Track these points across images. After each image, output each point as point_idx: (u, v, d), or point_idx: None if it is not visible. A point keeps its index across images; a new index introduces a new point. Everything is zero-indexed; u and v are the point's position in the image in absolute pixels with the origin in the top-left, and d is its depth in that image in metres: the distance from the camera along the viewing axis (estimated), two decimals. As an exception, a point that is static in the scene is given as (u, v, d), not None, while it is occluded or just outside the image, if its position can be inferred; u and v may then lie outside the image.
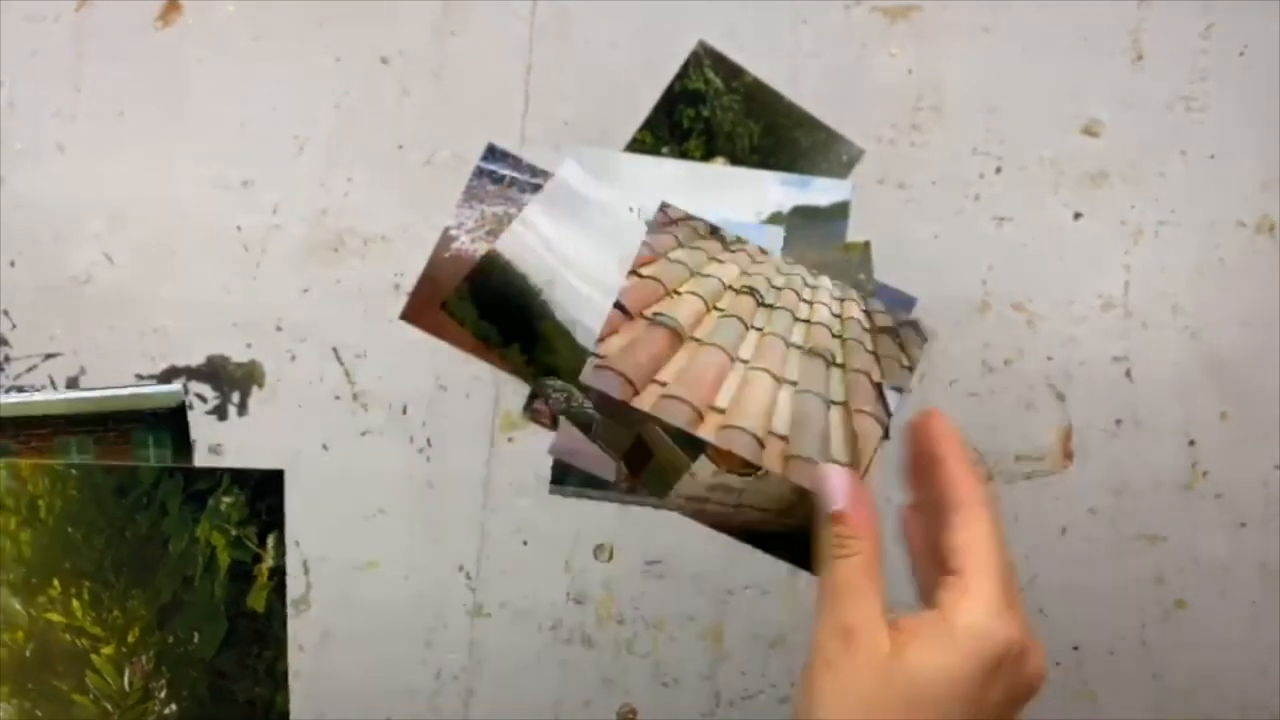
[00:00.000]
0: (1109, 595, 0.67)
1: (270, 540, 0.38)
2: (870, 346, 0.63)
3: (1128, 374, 0.67)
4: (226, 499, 0.38)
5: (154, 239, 0.65)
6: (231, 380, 0.65)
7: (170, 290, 0.65)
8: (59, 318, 0.64)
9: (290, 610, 0.66)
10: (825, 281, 0.64)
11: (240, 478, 0.37)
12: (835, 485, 0.46)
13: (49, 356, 0.64)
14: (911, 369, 0.64)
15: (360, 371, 0.65)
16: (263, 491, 0.38)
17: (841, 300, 0.64)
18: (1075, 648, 0.67)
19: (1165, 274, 0.67)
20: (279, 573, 0.38)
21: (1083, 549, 0.67)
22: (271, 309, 0.65)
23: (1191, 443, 0.67)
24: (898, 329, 0.64)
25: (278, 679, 0.38)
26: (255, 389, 0.65)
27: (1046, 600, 0.67)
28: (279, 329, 0.65)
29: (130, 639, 0.37)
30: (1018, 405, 0.67)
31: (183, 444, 0.39)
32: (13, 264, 0.64)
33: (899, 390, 0.64)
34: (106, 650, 0.37)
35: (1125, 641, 0.67)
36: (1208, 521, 0.67)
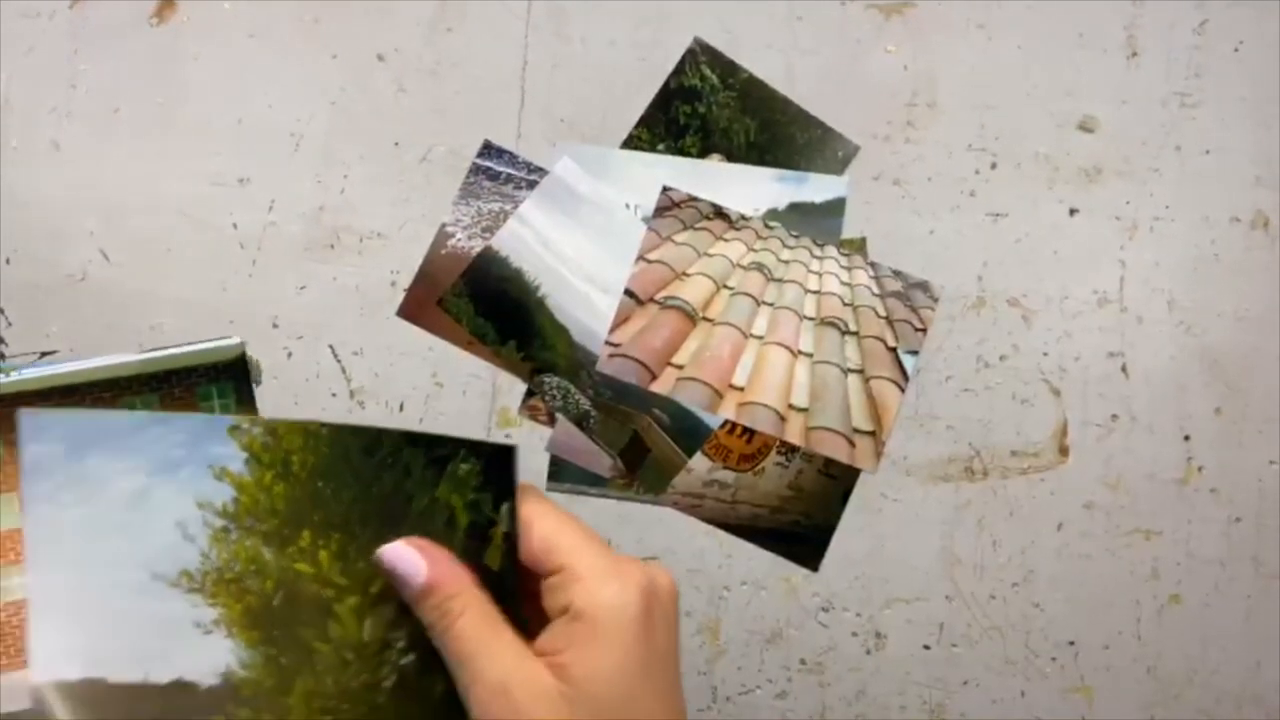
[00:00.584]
0: (1104, 590, 0.67)
1: (504, 508, 0.39)
2: (882, 312, 0.64)
3: (1123, 369, 0.67)
4: (464, 465, 0.39)
5: (150, 236, 0.65)
6: (228, 377, 0.65)
7: (167, 288, 0.65)
8: (55, 315, 0.64)
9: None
10: (832, 251, 0.64)
11: (475, 449, 0.38)
12: (404, 562, 0.39)
13: (45, 354, 0.64)
14: (924, 331, 0.64)
15: (357, 368, 0.65)
16: (496, 463, 0.39)
17: (849, 269, 0.64)
18: (1071, 642, 0.67)
19: (1160, 269, 0.67)
20: (510, 538, 0.39)
21: (1078, 544, 0.67)
22: (268, 306, 0.65)
23: (1186, 438, 0.67)
24: (907, 292, 0.65)
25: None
26: (253, 386, 0.65)
27: (1042, 595, 0.67)
28: (275, 326, 0.65)
29: (373, 590, 0.39)
30: (1013, 401, 0.67)
31: (246, 393, 0.40)
32: (8, 261, 0.64)
33: (914, 353, 0.65)
34: (350, 600, 0.39)
35: (1121, 636, 0.67)
36: (1202, 516, 0.67)
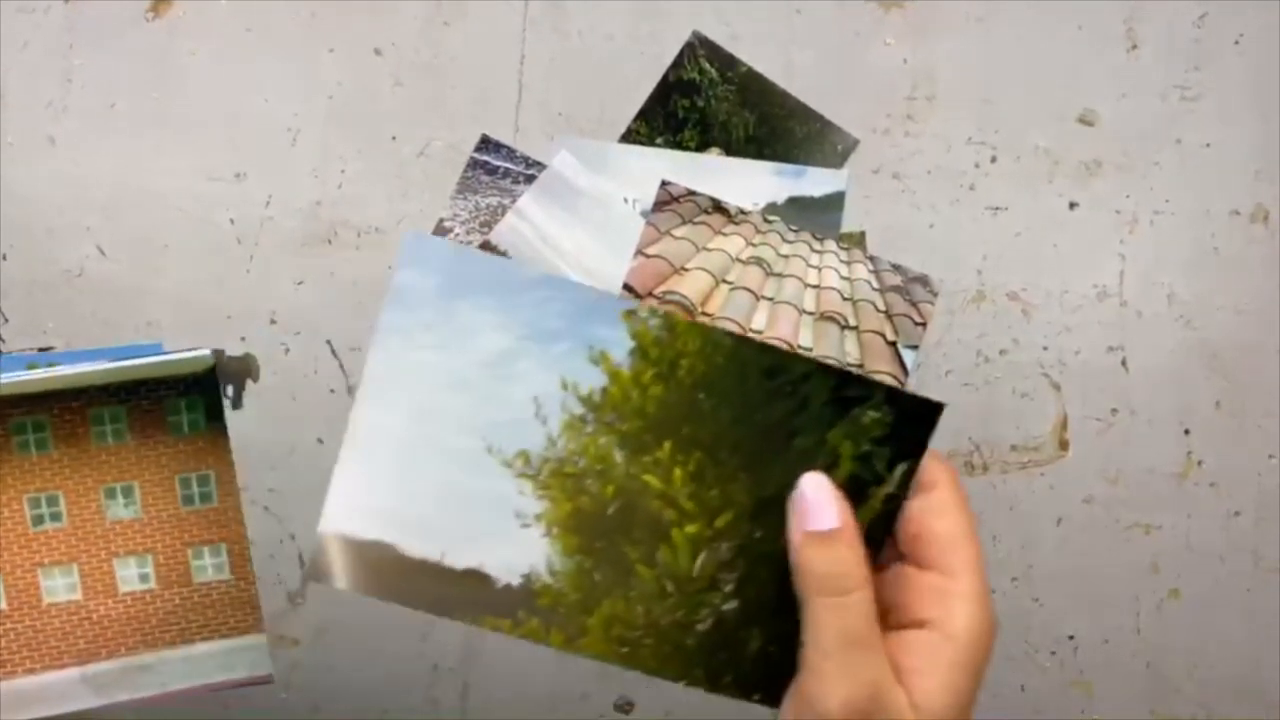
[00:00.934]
0: (1104, 584, 0.67)
1: (899, 470, 0.36)
2: (881, 306, 0.63)
3: (1123, 363, 0.67)
4: (873, 413, 0.35)
5: (147, 232, 0.64)
6: (226, 374, 0.64)
7: (163, 283, 0.64)
8: (52, 311, 0.64)
9: (286, 603, 0.66)
10: (831, 245, 0.64)
11: (894, 398, 0.35)
12: (822, 498, 0.35)
13: (42, 350, 0.64)
14: (924, 325, 0.64)
15: (355, 364, 0.65)
16: (911, 420, 0.35)
17: (849, 263, 0.64)
18: (1070, 637, 0.67)
19: (1160, 263, 0.67)
20: (894, 501, 0.36)
21: (1078, 539, 0.67)
22: (265, 302, 0.65)
23: (1186, 432, 0.67)
24: (907, 286, 0.64)
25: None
26: (250, 382, 0.64)
27: (1041, 590, 0.67)
28: (273, 322, 0.65)
29: (718, 523, 0.35)
30: (1013, 395, 0.67)
31: (216, 408, 0.38)
32: (4, 257, 0.64)
33: (913, 348, 0.64)
34: (690, 528, 0.35)
35: (1120, 631, 0.67)
36: (1202, 511, 0.67)
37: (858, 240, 0.66)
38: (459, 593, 0.36)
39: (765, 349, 0.36)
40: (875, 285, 0.64)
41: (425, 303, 0.35)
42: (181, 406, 0.39)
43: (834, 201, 0.65)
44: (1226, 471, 0.67)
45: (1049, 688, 0.67)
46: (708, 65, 0.65)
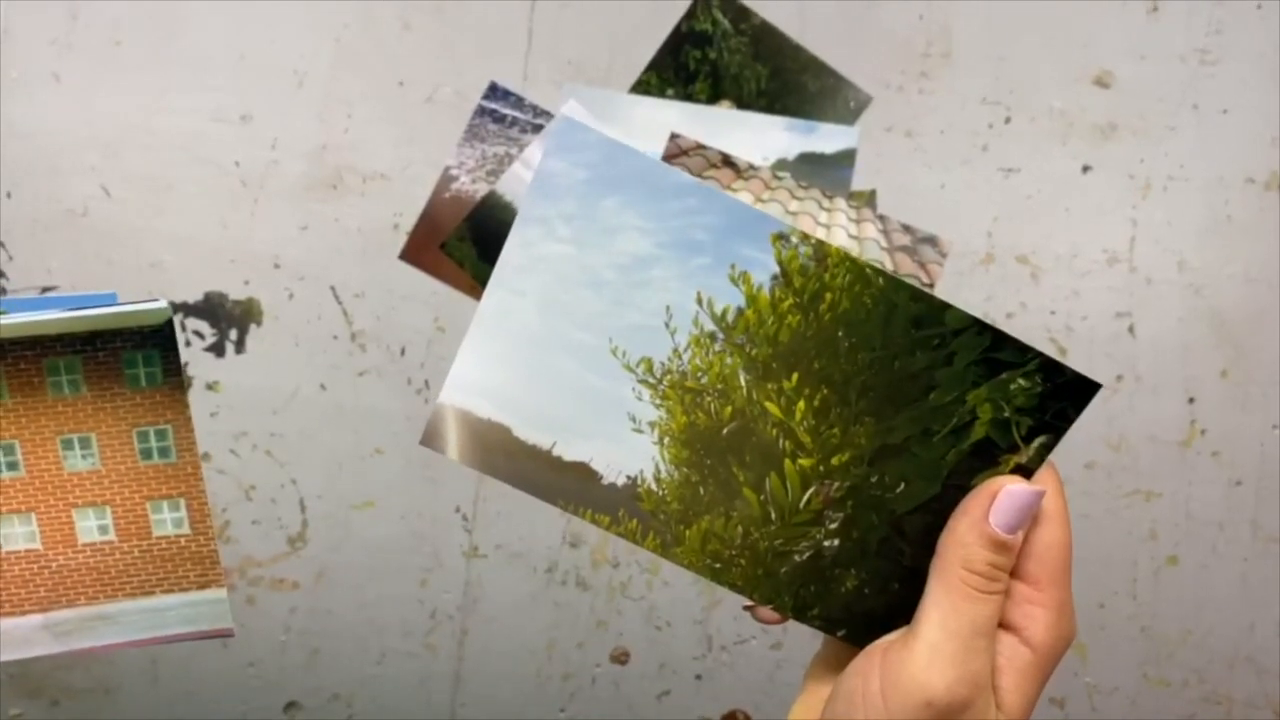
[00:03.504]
0: (1102, 549, 0.67)
1: (1037, 442, 0.35)
2: (890, 266, 0.63)
3: (1130, 330, 0.66)
4: (1023, 381, 0.35)
5: (151, 172, 0.64)
6: (229, 317, 0.64)
7: (168, 225, 0.64)
8: (56, 250, 0.64)
9: (286, 547, 0.66)
10: (841, 203, 0.64)
11: (1051, 369, 0.34)
12: (1022, 508, 0.35)
13: (46, 289, 0.63)
14: (932, 286, 0.63)
15: (359, 311, 0.65)
16: (1063, 394, 0.35)
17: (858, 221, 0.64)
18: (1066, 600, 0.68)
19: (1172, 230, 0.66)
20: (1024, 471, 0.35)
21: (1079, 503, 0.67)
22: (270, 246, 0.64)
23: (1191, 400, 0.67)
24: (915, 246, 0.64)
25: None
26: (253, 326, 0.64)
27: (1039, 553, 0.67)
28: (277, 266, 0.64)
29: (834, 461, 0.35)
30: (1018, 359, 0.66)
31: (173, 362, 0.38)
32: (9, 195, 0.63)
33: None
34: (804, 462, 0.35)
35: (1116, 595, 0.68)
36: (1203, 478, 0.67)
37: (867, 199, 0.66)
38: (565, 483, 0.37)
39: (919, 296, 0.34)
40: (884, 245, 0.64)
41: (569, 194, 0.34)
42: (139, 359, 0.38)
43: (845, 158, 0.64)
44: (1229, 441, 0.67)
45: (1043, 650, 0.68)
46: (721, 17, 0.64)
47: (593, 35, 0.65)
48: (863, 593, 0.36)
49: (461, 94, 0.64)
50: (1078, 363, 0.67)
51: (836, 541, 0.36)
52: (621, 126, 0.64)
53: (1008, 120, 0.66)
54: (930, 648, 0.35)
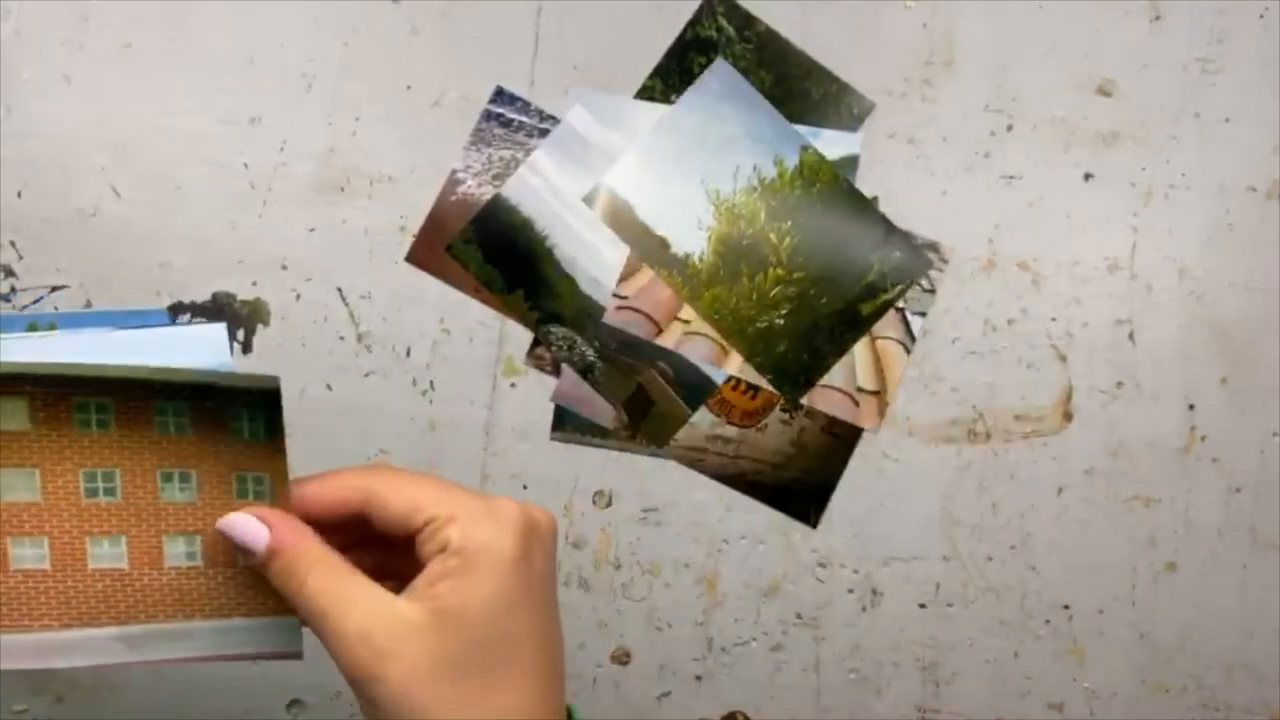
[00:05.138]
0: (1101, 555, 0.68)
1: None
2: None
3: (1130, 337, 0.67)
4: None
5: (160, 173, 0.64)
6: (236, 318, 0.65)
7: (176, 225, 0.65)
8: (65, 250, 0.64)
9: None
10: None
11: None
12: (245, 532, 0.39)
13: (55, 288, 0.64)
14: (933, 292, 0.64)
15: (365, 312, 0.65)
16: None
17: None
18: (1065, 606, 0.68)
19: (1173, 237, 0.67)
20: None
21: (1078, 509, 0.67)
22: (277, 247, 0.65)
23: (1191, 407, 0.67)
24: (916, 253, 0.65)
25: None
26: (260, 327, 0.65)
27: (1039, 558, 0.68)
28: (284, 267, 0.65)
29: (794, 276, 0.65)
30: (1019, 365, 0.67)
31: (276, 424, 0.40)
32: (19, 195, 0.64)
33: (921, 314, 0.65)
34: (778, 272, 0.62)
35: (1115, 601, 0.68)
36: (1202, 485, 0.67)
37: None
38: (650, 244, 0.63)
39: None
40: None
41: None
42: (243, 415, 0.40)
43: (847, 165, 0.65)
44: (1229, 447, 0.67)
45: (1042, 654, 0.68)
46: (726, 23, 0.65)
47: (598, 41, 0.65)
48: (787, 355, 0.61)
49: (468, 98, 0.65)
50: (1078, 369, 0.68)
51: (782, 321, 0.61)
52: (627, 131, 0.64)
53: (1010, 128, 0.66)
54: (332, 655, 0.38)
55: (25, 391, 0.38)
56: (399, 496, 0.39)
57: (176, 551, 0.40)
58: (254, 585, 0.41)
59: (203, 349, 0.40)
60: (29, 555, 0.39)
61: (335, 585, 0.38)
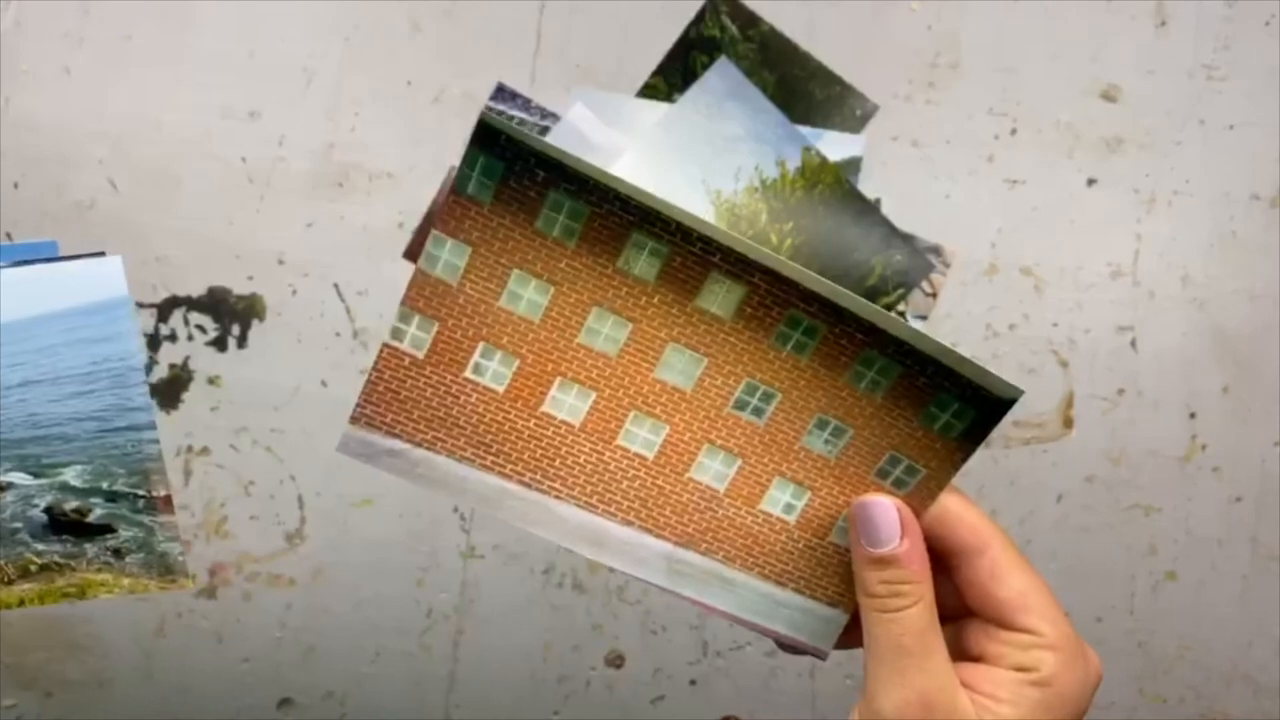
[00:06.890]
0: (1101, 563, 0.67)
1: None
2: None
3: (1132, 344, 0.66)
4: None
5: (159, 167, 0.64)
6: (232, 312, 0.64)
7: (173, 219, 0.64)
8: (62, 242, 0.64)
9: (284, 543, 0.66)
10: None
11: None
12: (883, 520, 0.37)
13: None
14: (934, 296, 0.63)
15: (361, 309, 0.65)
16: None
17: None
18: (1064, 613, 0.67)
19: (1176, 244, 0.66)
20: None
21: (1078, 516, 0.67)
22: (275, 242, 0.65)
23: (1192, 415, 0.67)
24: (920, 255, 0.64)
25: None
26: (256, 322, 0.64)
27: (1038, 565, 0.67)
28: (281, 263, 0.65)
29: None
30: (1020, 371, 0.66)
31: (978, 436, 0.38)
32: (16, 185, 0.63)
33: (923, 318, 0.64)
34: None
35: (1114, 609, 0.68)
36: (1203, 494, 0.67)
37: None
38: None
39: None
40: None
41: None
42: (950, 405, 0.38)
43: (850, 167, 0.64)
44: (1230, 456, 0.67)
45: (1039, 663, 0.68)
46: (729, 22, 0.64)
47: (601, 39, 0.65)
48: None
49: (469, 95, 0.64)
50: (1079, 376, 0.67)
51: None
52: (628, 130, 0.64)
53: (1014, 132, 0.66)
54: (871, 677, 0.37)
55: (750, 283, 0.37)
56: (1011, 580, 0.39)
57: (778, 498, 0.38)
58: (824, 564, 0.39)
59: (96, 284, 0.39)
60: (641, 438, 0.38)
61: (927, 637, 0.37)
